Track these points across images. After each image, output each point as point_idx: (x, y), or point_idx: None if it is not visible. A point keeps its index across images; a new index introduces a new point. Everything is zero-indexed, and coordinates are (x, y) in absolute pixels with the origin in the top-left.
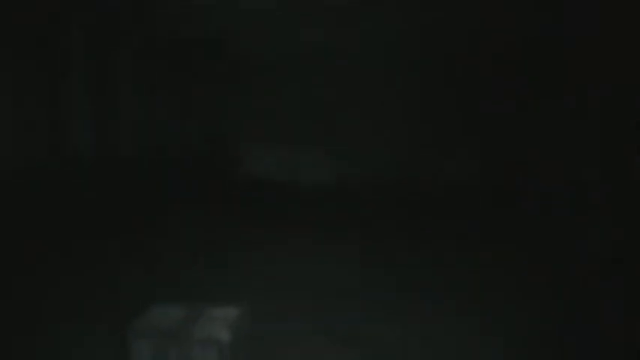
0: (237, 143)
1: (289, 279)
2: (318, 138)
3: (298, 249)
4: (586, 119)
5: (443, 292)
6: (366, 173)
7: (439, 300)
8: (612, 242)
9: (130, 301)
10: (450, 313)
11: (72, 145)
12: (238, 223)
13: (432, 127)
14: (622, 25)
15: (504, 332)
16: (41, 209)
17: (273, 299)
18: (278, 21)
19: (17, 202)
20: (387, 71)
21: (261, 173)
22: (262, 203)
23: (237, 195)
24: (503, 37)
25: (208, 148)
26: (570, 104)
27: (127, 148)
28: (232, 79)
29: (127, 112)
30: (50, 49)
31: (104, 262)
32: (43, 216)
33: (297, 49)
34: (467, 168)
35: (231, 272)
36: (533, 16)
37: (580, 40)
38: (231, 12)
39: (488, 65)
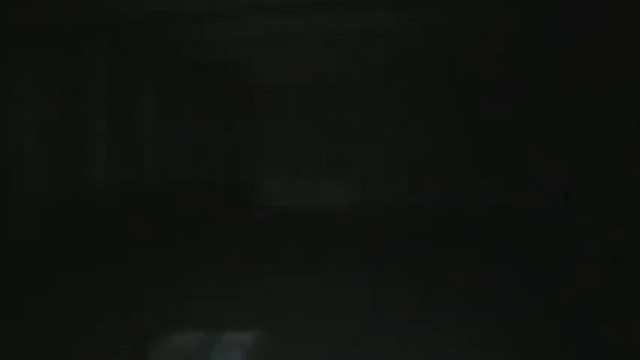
0: (254, 173)
1: (306, 306)
2: (335, 168)
3: (315, 277)
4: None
5: (461, 325)
6: (382, 202)
7: (456, 333)
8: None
9: (149, 327)
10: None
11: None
12: (255, 252)
13: (448, 152)
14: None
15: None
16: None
17: (289, 326)
18: (294, 51)
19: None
20: (404, 99)
21: (278, 203)
22: (279, 232)
23: (256, 224)
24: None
25: (227, 178)
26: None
27: (148, 178)
28: (249, 108)
29: (148, 143)
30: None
31: (123, 288)
32: (70, 242)
33: (314, 78)
34: (480, 188)
35: (247, 299)
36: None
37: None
38: (247, 41)
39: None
